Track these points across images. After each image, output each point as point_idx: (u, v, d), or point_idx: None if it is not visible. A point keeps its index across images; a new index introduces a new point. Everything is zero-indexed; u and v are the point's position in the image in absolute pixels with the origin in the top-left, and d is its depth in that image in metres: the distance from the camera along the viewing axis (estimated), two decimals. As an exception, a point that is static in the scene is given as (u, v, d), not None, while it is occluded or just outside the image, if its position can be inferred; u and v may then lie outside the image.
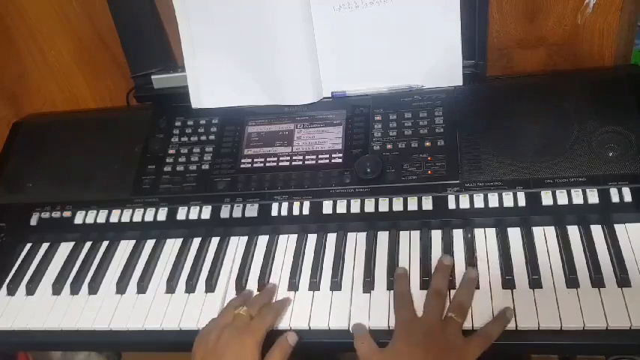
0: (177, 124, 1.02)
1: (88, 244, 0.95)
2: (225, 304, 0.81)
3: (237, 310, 0.76)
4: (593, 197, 0.80)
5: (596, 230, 0.80)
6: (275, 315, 0.77)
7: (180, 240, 0.92)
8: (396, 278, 0.78)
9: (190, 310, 0.82)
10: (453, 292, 0.77)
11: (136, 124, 1.04)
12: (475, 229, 0.84)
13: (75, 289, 0.89)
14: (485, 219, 0.83)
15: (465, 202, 0.84)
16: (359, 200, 0.87)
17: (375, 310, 0.77)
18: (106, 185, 0.98)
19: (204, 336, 0.75)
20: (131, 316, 0.83)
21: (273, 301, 0.81)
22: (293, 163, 0.94)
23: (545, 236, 0.81)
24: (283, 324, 0.78)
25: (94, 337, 0.84)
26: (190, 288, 0.85)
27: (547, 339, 0.72)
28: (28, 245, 0.97)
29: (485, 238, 0.83)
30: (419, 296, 0.77)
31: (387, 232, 0.85)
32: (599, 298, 0.72)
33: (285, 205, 0.89)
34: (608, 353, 0.99)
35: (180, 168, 0.97)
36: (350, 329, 0.76)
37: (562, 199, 0.81)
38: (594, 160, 0.83)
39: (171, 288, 0.86)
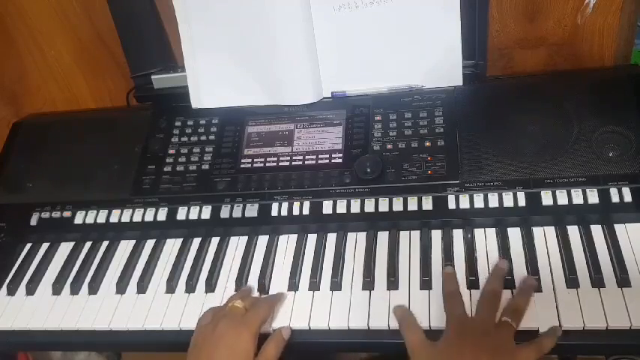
0: (177, 124, 1.02)
1: (88, 244, 0.95)
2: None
3: (232, 302, 0.77)
4: (593, 197, 0.80)
5: (596, 230, 0.80)
6: (269, 307, 0.77)
7: (180, 240, 0.92)
8: (445, 277, 0.77)
9: (190, 310, 0.82)
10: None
11: (136, 124, 1.04)
12: (475, 229, 0.83)
13: (75, 289, 0.89)
14: (485, 219, 0.83)
15: (465, 202, 0.84)
16: (359, 200, 0.87)
17: (375, 310, 0.77)
18: (106, 185, 0.98)
19: (201, 328, 0.75)
20: (131, 316, 0.83)
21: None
22: (293, 163, 0.94)
23: (545, 236, 0.81)
24: (283, 324, 0.78)
25: (94, 337, 0.84)
26: (190, 288, 0.85)
27: (547, 339, 0.72)
28: (28, 245, 0.97)
29: (485, 238, 0.82)
30: (421, 296, 0.77)
31: (387, 232, 0.85)
32: (599, 298, 0.72)
33: (285, 205, 0.89)
34: (608, 353, 0.99)
35: (180, 168, 0.97)
36: (348, 327, 0.76)
37: (562, 199, 0.81)
38: (594, 160, 0.83)
39: (171, 288, 0.86)
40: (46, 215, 0.97)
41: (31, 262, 0.94)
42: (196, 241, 0.91)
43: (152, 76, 1.03)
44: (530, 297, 0.74)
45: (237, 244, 0.90)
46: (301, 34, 0.94)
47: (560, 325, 0.71)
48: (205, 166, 0.96)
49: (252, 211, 0.90)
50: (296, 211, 0.88)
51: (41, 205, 0.98)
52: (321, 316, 0.78)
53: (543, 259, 0.78)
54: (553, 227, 0.81)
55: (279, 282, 0.83)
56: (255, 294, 0.83)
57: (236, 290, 0.83)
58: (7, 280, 0.92)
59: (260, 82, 0.99)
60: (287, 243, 0.88)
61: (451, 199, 0.85)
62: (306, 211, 0.88)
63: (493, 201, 0.83)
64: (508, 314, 0.71)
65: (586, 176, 0.82)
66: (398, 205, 0.85)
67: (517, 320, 0.71)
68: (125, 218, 0.94)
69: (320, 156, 0.93)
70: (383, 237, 0.85)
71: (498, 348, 0.67)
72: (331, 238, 0.87)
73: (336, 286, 0.81)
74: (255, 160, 0.95)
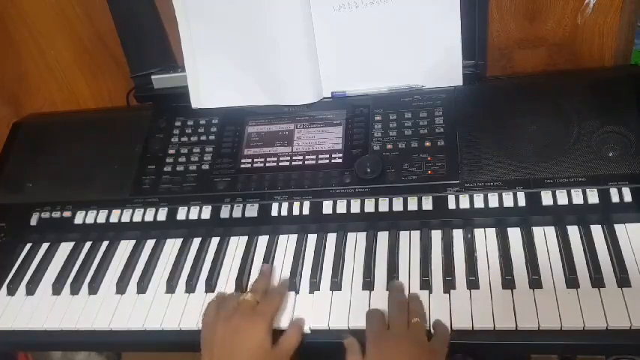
0: (177, 124, 1.02)
1: (88, 244, 0.95)
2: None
3: (242, 296, 0.77)
4: (593, 197, 0.80)
5: (596, 230, 0.80)
6: (281, 296, 0.78)
7: (180, 240, 0.92)
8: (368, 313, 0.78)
9: (190, 310, 0.82)
10: (453, 292, 0.77)
11: (136, 124, 1.04)
12: (475, 229, 0.83)
13: (75, 289, 0.89)
14: (485, 219, 0.83)
15: (465, 202, 0.84)
16: (359, 200, 0.87)
17: (375, 310, 0.77)
18: (106, 185, 0.98)
19: (213, 323, 0.75)
20: (131, 316, 0.83)
21: (272, 281, 0.83)
22: (293, 163, 0.94)
23: (545, 236, 0.81)
24: (284, 324, 0.78)
25: (94, 337, 0.84)
26: (190, 288, 0.85)
27: (547, 339, 0.72)
28: (28, 245, 0.97)
29: (485, 238, 0.82)
30: (421, 296, 0.77)
31: (387, 232, 0.85)
32: (599, 298, 0.72)
33: (285, 205, 0.89)
34: (608, 353, 0.99)
35: (180, 168, 0.97)
36: (348, 327, 0.76)
37: (562, 199, 0.81)
38: (594, 160, 0.83)
39: (171, 288, 0.86)
40: (46, 215, 0.97)
41: (31, 262, 0.94)
42: (196, 241, 0.91)
43: (152, 76, 1.03)
44: (417, 298, 0.77)
45: (237, 244, 0.90)
46: (301, 34, 0.94)
47: (561, 325, 0.71)
48: (205, 166, 0.96)
49: (252, 211, 0.90)
50: (296, 211, 0.88)
51: (41, 205, 0.98)
52: (321, 316, 0.78)
53: (543, 259, 0.78)
54: (553, 227, 0.81)
55: (279, 282, 0.83)
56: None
57: (236, 290, 0.83)
58: (7, 280, 0.92)
59: (260, 82, 0.99)
60: (287, 243, 0.88)
61: (451, 199, 0.84)
62: (306, 211, 0.88)
63: (493, 201, 0.83)
64: (414, 315, 0.74)
65: (586, 176, 0.82)
66: (398, 205, 0.85)
67: (424, 318, 0.74)
68: (125, 218, 0.94)
69: (320, 156, 0.93)
70: (383, 237, 0.85)
71: (414, 345, 0.70)
72: (331, 238, 0.87)
73: (336, 286, 0.81)
74: (255, 160, 0.95)
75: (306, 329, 0.77)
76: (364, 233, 0.86)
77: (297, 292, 0.82)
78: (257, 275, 0.84)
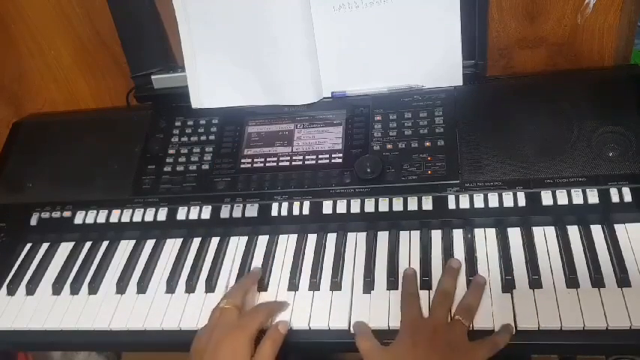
0: (177, 124, 1.02)
1: (88, 244, 0.95)
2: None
3: (221, 304, 0.76)
4: (593, 197, 0.80)
5: (596, 230, 0.80)
6: (268, 312, 0.76)
7: (180, 240, 0.92)
8: (405, 278, 0.78)
9: (190, 310, 0.82)
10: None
11: (136, 124, 1.04)
12: (475, 229, 0.84)
13: (75, 289, 0.89)
14: (485, 219, 0.83)
15: (465, 202, 0.84)
16: (359, 200, 0.87)
17: (375, 310, 0.77)
18: (106, 185, 0.98)
19: (197, 340, 0.75)
20: (131, 316, 0.83)
21: (256, 285, 0.82)
22: (293, 163, 0.94)
23: (545, 236, 0.81)
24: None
25: (94, 337, 0.84)
26: (190, 288, 0.85)
27: (547, 339, 0.72)
28: (28, 245, 0.97)
29: (485, 238, 0.83)
30: (421, 296, 0.77)
31: (387, 232, 0.85)
32: (599, 298, 0.72)
33: (285, 205, 0.89)
34: (608, 353, 0.99)
35: (180, 168, 0.97)
36: (351, 329, 0.76)
37: (562, 199, 0.81)
38: (594, 160, 0.83)
39: (171, 288, 0.86)
40: (46, 215, 0.97)
41: (31, 262, 0.94)
42: (196, 241, 0.91)
43: (152, 76, 1.03)
44: (481, 295, 0.75)
45: (237, 244, 0.90)
46: (301, 34, 0.94)
47: (561, 325, 0.71)
48: (205, 166, 0.96)
49: (252, 211, 0.90)
50: (296, 211, 0.88)
51: (41, 205, 0.98)
52: (321, 316, 0.78)
53: (543, 259, 0.78)
54: (553, 227, 0.81)
55: (279, 282, 0.83)
56: (244, 291, 0.83)
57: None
58: (7, 280, 0.92)
59: (260, 82, 0.99)
60: (287, 243, 0.88)
61: (451, 199, 0.85)
62: (306, 211, 0.88)
63: (493, 201, 0.83)
64: (460, 312, 0.72)
65: (586, 176, 0.82)
66: (398, 205, 0.85)
67: (469, 318, 0.72)
68: (125, 218, 0.94)
69: (320, 156, 0.93)
70: (383, 237, 0.85)
71: (451, 346, 0.69)
72: (331, 238, 0.87)
73: (336, 286, 0.81)
74: (255, 160, 0.95)
75: (304, 326, 0.77)
76: (364, 233, 0.86)
77: (296, 292, 0.81)
78: (258, 282, 0.83)
